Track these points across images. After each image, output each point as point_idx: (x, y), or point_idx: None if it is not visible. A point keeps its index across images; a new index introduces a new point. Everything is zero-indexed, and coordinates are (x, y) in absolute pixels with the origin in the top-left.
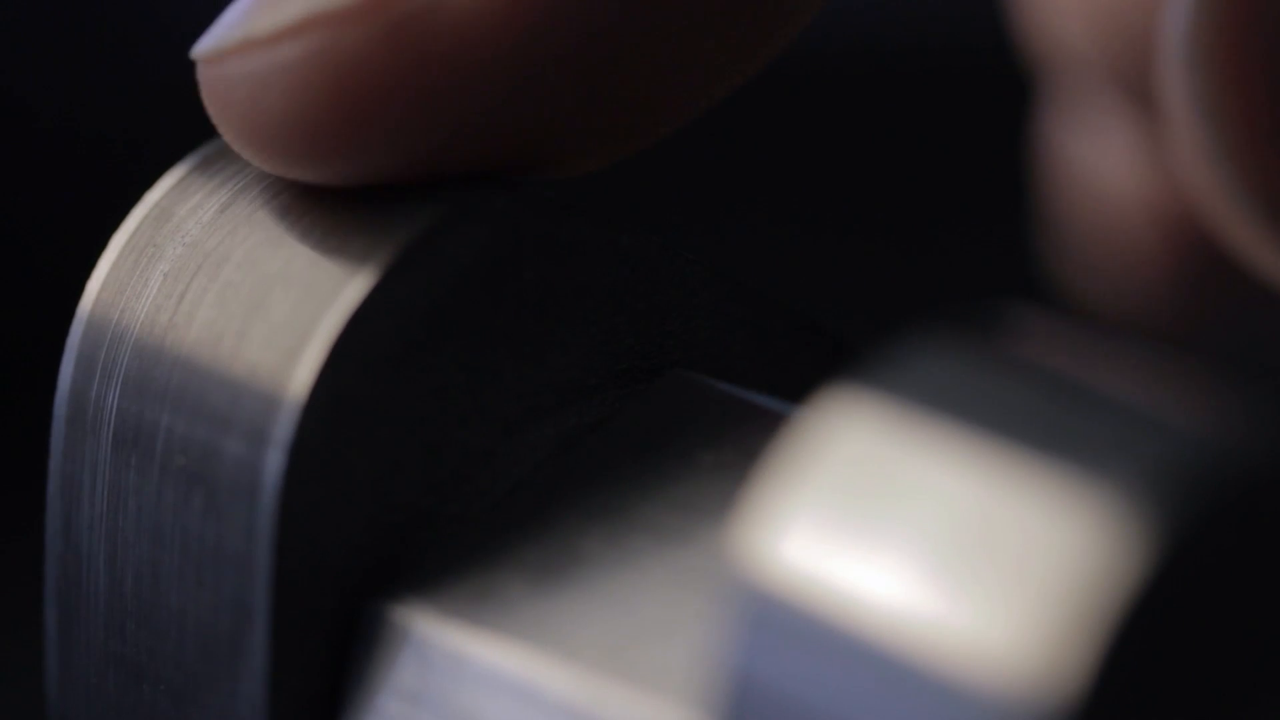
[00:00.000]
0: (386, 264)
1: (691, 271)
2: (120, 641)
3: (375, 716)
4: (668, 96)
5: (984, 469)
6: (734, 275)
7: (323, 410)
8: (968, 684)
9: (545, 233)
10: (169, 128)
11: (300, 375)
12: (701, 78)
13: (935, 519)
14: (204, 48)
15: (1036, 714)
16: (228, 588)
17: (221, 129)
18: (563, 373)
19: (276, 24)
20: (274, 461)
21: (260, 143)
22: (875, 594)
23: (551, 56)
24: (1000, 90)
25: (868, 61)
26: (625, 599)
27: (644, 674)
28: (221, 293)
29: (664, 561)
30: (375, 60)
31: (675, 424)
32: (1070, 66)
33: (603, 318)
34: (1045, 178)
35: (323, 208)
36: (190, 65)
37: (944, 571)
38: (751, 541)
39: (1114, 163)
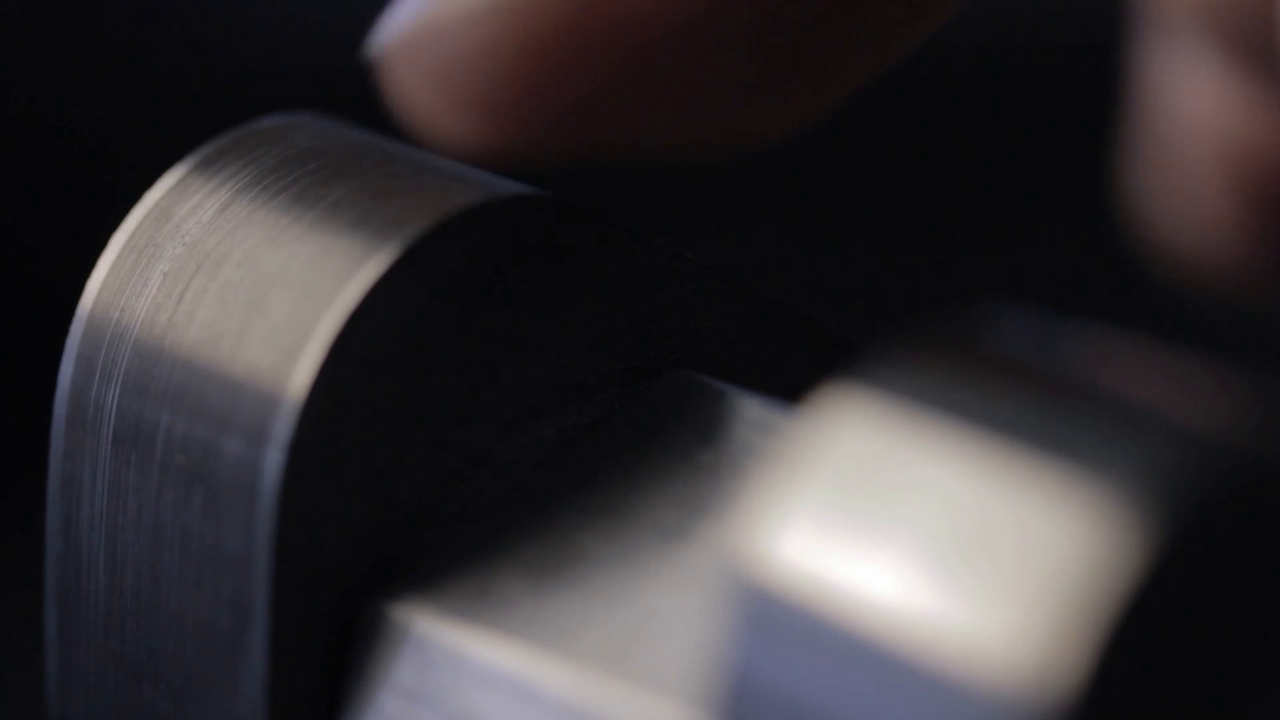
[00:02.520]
0: (386, 264)
1: (691, 271)
2: (120, 641)
3: (375, 715)
4: (850, 60)
5: (982, 468)
6: (734, 275)
7: (322, 410)
8: (965, 682)
9: (544, 233)
10: (169, 128)
11: (300, 375)
12: (882, 38)
13: (933, 517)
14: (391, 34)
15: (1034, 712)
16: (227, 587)
17: (408, 113)
18: (562, 372)
19: (467, 6)
20: (274, 461)
21: (452, 120)
22: (874, 592)
23: (743, 19)
24: (1002, 90)
25: None
26: (624, 597)
27: (643, 672)
28: (221, 292)
29: (663, 560)
30: (567, 34)
31: (675, 423)
32: (1176, 8)
33: (602, 318)
34: (1139, 110)
35: (322, 207)
36: (190, 66)
37: (942, 570)
38: (751, 540)
39: (1209, 104)
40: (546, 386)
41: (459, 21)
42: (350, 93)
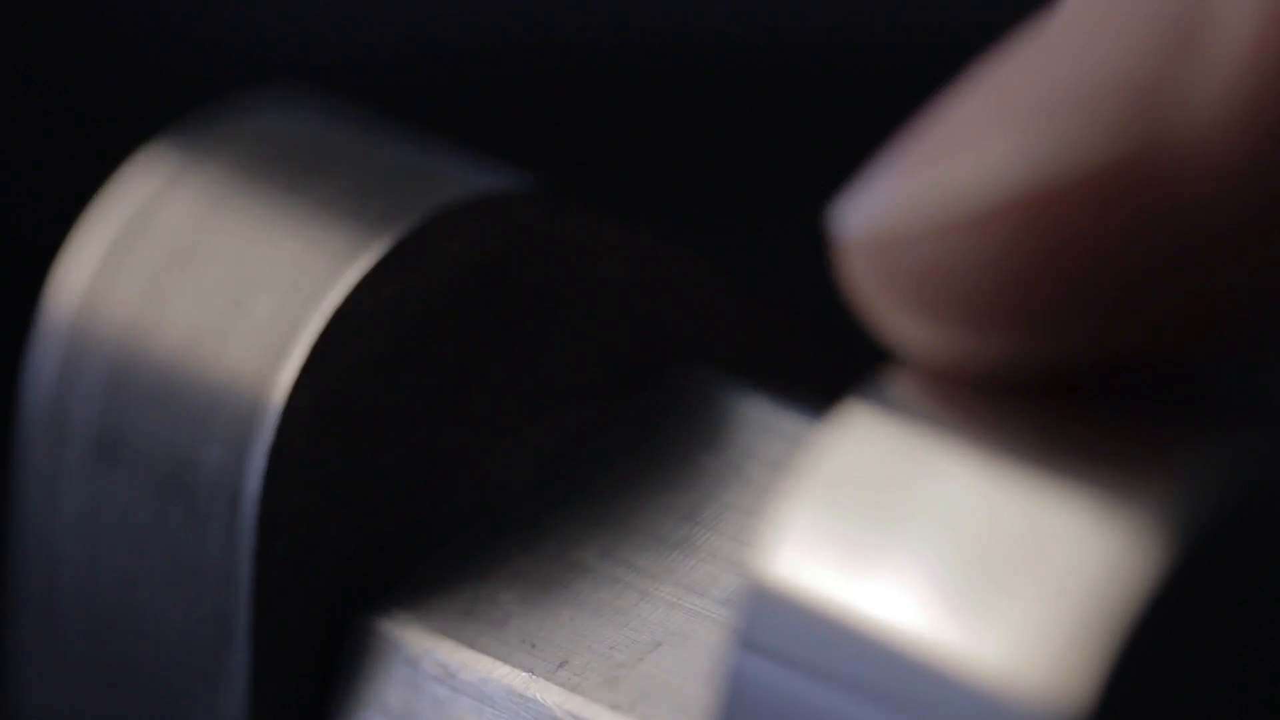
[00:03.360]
0: (374, 261)
1: (691, 271)
2: (99, 654)
3: None
4: None
5: (992, 482)
6: (733, 275)
7: (305, 414)
8: (973, 696)
9: (541, 231)
10: (166, 125)
11: (282, 378)
12: None
13: (942, 531)
14: (855, 229)
15: None
16: (208, 599)
17: (865, 307)
18: (559, 374)
19: (979, 205)
20: (255, 468)
21: (917, 326)
22: (880, 608)
23: None
24: None
25: (869, 61)
26: (622, 612)
27: (641, 690)
28: (201, 292)
29: (663, 572)
30: (1099, 233)
31: (674, 426)
32: None
33: (601, 318)
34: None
35: (308, 201)
36: (188, 60)
37: (950, 584)
38: (756, 553)
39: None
40: (542, 389)
41: (939, 231)
42: (350, 85)
